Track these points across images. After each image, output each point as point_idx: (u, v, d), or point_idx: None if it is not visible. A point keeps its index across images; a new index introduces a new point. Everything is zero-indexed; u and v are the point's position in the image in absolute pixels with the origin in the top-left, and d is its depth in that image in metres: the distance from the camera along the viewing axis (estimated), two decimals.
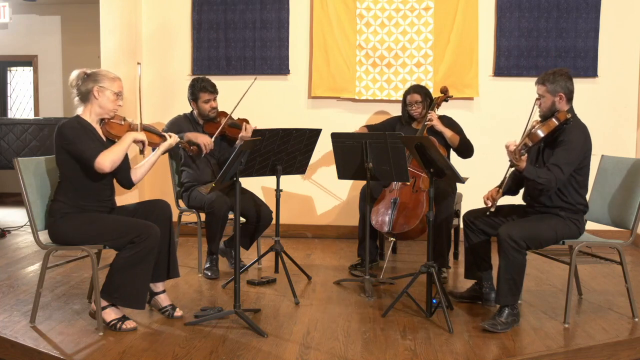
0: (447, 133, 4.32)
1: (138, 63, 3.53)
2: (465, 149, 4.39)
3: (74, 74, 3.26)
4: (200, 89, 4.32)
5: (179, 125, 4.33)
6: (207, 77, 4.45)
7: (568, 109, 3.36)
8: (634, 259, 4.89)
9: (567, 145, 3.24)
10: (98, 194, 3.24)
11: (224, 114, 4.39)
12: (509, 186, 3.54)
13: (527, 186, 3.48)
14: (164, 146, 3.44)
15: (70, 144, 3.10)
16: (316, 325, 3.27)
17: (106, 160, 3.09)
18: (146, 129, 3.40)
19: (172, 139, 3.47)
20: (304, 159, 4.04)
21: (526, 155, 3.17)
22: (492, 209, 3.42)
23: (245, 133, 4.28)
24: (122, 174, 3.36)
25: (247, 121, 4.37)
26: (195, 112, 4.43)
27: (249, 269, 4.39)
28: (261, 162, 3.78)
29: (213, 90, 4.35)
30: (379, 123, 4.77)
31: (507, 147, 3.17)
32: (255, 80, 4.38)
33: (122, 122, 3.32)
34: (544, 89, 3.36)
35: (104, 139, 3.28)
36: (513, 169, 3.27)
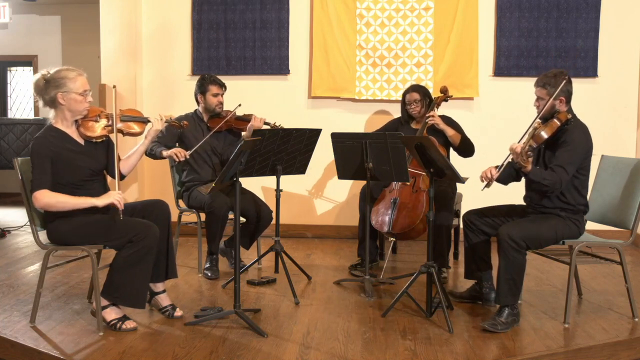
0: (449, 131, 4.32)
1: (114, 86, 3.34)
2: (466, 148, 4.38)
3: (34, 80, 3.12)
4: (210, 81, 4.38)
5: (180, 119, 4.32)
6: None
7: (567, 109, 3.36)
8: (634, 259, 4.89)
9: (570, 146, 3.24)
10: (89, 195, 3.16)
11: (228, 111, 4.42)
12: (504, 176, 3.49)
13: (529, 187, 3.47)
14: (151, 133, 3.38)
15: (32, 165, 3.03)
16: (316, 325, 3.27)
17: (42, 200, 2.97)
18: (127, 119, 3.32)
19: (158, 123, 3.39)
20: (304, 159, 4.04)
21: (532, 156, 3.17)
22: (488, 187, 3.32)
23: (255, 123, 4.33)
24: (112, 166, 3.30)
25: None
26: (200, 106, 4.45)
27: (249, 269, 4.39)
28: (261, 162, 3.78)
29: (222, 84, 4.42)
30: (381, 127, 4.75)
31: (512, 149, 3.16)
32: (239, 106, 4.38)
33: (98, 119, 3.20)
34: (545, 92, 3.34)
35: (81, 141, 3.20)
36: (512, 158, 3.24)
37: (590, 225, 3.59)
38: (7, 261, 4.67)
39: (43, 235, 3.20)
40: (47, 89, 3.09)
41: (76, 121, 3.20)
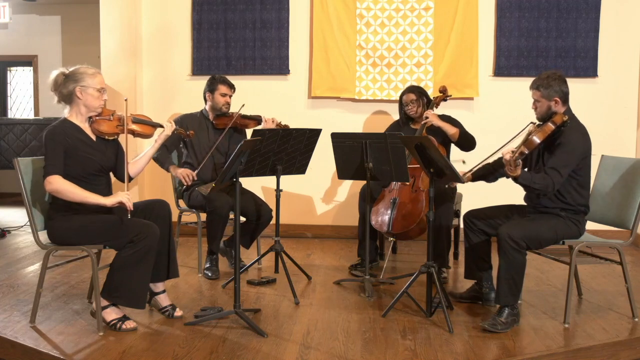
0: (445, 127, 4.31)
1: (125, 99, 3.35)
2: (466, 141, 4.37)
3: (53, 76, 3.20)
4: (220, 81, 4.43)
5: (181, 122, 4.35)
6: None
7: (565, 110, 3.35)
8: (634, 259, 4.89)
9: (565, 148, 3.23)
10: (92, 191, 3.17)
11: (234, 112, 4.44)
12: (483, 174, 3.58)
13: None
14: (161, 137, 3.43)
15: (45, 153, 3.08)
16: (316, 325, 3.27)
17: (53, 184, 3.01)
18: (138, 121, 3.38)
19: (168, 128, 3.45)
20: (304, 159, 4.04)
21: (521, 163, 3.16)
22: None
23: (268, 125, 4.39)
24: (120, 169, 3.34)
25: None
26: (207, 105, 4.47)
27: (249, 269, 4.39)
28: (261, 162, 3.78)
29: (232, 86, 4.47)
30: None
31: (503, 156, 3.16)
32: (243, 106, 4.38)
33: (111, 117, 3.27)
34: (539, 94, 3.35)
35: (94, 137, 3.25)
36: (491, 159, 3.29)
37: (590, 225, 3.59)
38: (7, 261, 4.67)
39: (43, 235, 3.20)
40: (66, 83, 3.16)
41: (90, 118, 3.24)
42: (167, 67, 5.74)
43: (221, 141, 4.34)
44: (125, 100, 3.32)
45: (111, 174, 3.37)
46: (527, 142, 3.17)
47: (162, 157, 4.26)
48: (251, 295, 3.82)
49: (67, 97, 3.19)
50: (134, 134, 3.37)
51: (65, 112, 3.25)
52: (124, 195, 3.06)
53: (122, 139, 3.30)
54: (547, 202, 3.38)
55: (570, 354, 2.98)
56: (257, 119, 4.46)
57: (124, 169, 3.33)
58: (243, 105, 4.39)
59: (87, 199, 3.05)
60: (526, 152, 3.18)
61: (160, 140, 3.44)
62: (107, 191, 3.30)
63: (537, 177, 3.20)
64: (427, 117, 4.30)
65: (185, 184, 4.21)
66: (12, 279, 4.16)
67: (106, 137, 3.26)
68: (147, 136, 3.42)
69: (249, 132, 4.58)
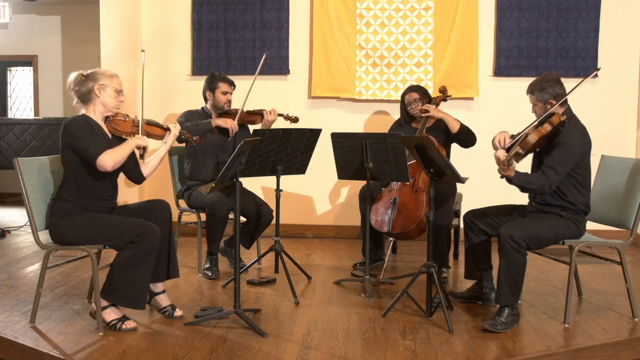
0: (447, 118, 4.27)
1: (142, 50, 3.50)
2: (466, 135, 4.33)
3: (72, 76, 3.27)
4: (220, 79, 4.41)
5: (191, 116, 4.35)
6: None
7: (564, 111, 3.34)
8: (634, 259, 4.89)
9: (563, 147, 3.23)
10: (101, 193, 3.24)
11: (236, 109, 4.44)
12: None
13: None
14: (170, 138, 3.48)
15: (75, 141, 3.11)
16: (316, 325, 3.27)
17: (108, 160, 3.08)
18: (150, 122, 3.43)
19: (175, 129, 3.50)
20: (304, 159, 4.04)
21: (514, 164, 3.14)
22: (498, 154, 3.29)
23: (270, 117, 4.41)
24: (131, 169, 3.38)
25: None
26: (208, 104, 4.46)
27: (249, 269, 4.39)
28: (261, 162, 3.78)
29: (232, 83, 4.45)
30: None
31: (496, 157, 3.15)
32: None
33: (126, 119, 3.35)
34: (534, 98, 3.36)
35: (110, 135, 3.30)
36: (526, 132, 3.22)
37: (590, 225, 3.58)
38: (7, 261, 4.67)
39: (43, 235, 3.20)
40: (85, 82, 3.23)
41: (107, 118, 3.30)
42: (167, 67, 5.74)
43: (225, 139, 4.35)
44: (143, 50, 3.53)
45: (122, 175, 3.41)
46: (522, 142, 3.17)
47: (193, 127, 4.17)
48: (251, 295, 3.82)
49: (85, 95, 3.24)
50: (148, 134, 3.41)
51: (82, 111, 3.31)
52: (145, 141, 3.27)
53: None
54: (550, 200, 3.37)
55: (570, 354, 2.98)
56: (260, 114, 4.45)
57: (137, 169, 3.40)
58: (265, 57, 4.42)
59: (130, 150, 3.20)
60: (522, 153, 3.18)
61: (170, 141, 3.47)
62: (112, 190, 3.33)
63: (533, 177, 3.20)
64: (426, 111, 4.28)
65: (231, 135, 4.27)
66: (12, 279, 4.16)
67: (123, 137, 3.32)
68: (160, 138, 3.47)
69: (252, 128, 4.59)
